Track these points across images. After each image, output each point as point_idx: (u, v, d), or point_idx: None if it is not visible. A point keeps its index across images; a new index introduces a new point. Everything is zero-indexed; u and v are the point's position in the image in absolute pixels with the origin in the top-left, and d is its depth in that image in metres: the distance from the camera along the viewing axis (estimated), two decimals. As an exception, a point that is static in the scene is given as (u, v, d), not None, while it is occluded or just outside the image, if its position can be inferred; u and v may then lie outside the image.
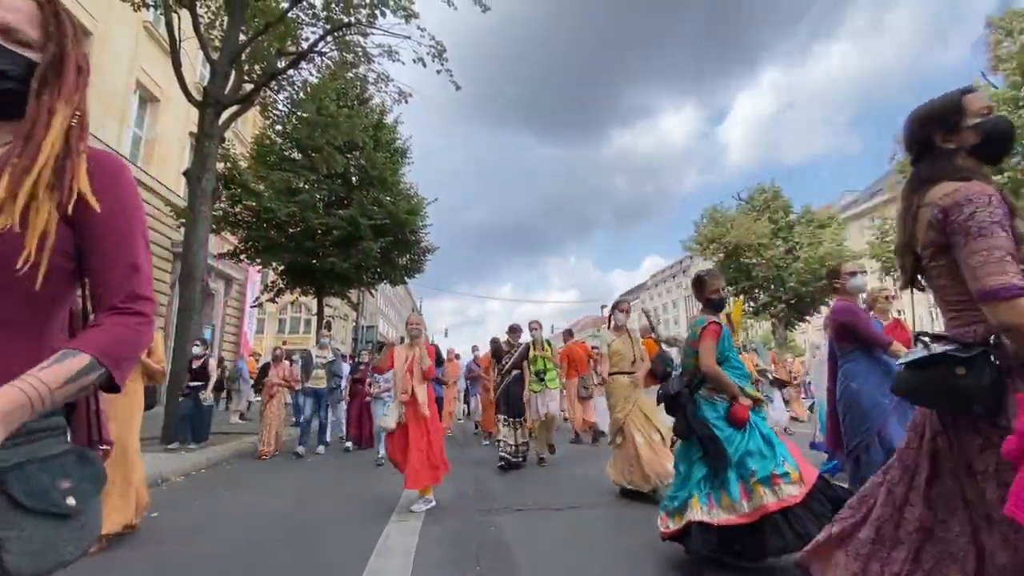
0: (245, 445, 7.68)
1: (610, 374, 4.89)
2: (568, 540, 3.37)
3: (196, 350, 7.69)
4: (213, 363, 7.90)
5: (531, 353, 6.49)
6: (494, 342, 7.53)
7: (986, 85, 14.92)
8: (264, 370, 8.02)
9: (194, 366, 7.65)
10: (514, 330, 6.84)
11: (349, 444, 7.99)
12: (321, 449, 7.73)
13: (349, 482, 5.69)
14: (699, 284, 3.11)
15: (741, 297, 22.98)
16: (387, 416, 4.38)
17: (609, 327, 5.22)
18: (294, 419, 8.88)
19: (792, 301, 23.37)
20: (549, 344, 6.77)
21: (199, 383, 7.47)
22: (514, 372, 6.45)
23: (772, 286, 23.72)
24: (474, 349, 11.00)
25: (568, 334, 9.90)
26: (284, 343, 15.32)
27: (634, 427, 4.46)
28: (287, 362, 8.18)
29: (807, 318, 24.34)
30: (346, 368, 8.57)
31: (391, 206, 13.44)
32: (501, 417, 6.18)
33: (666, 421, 3.75)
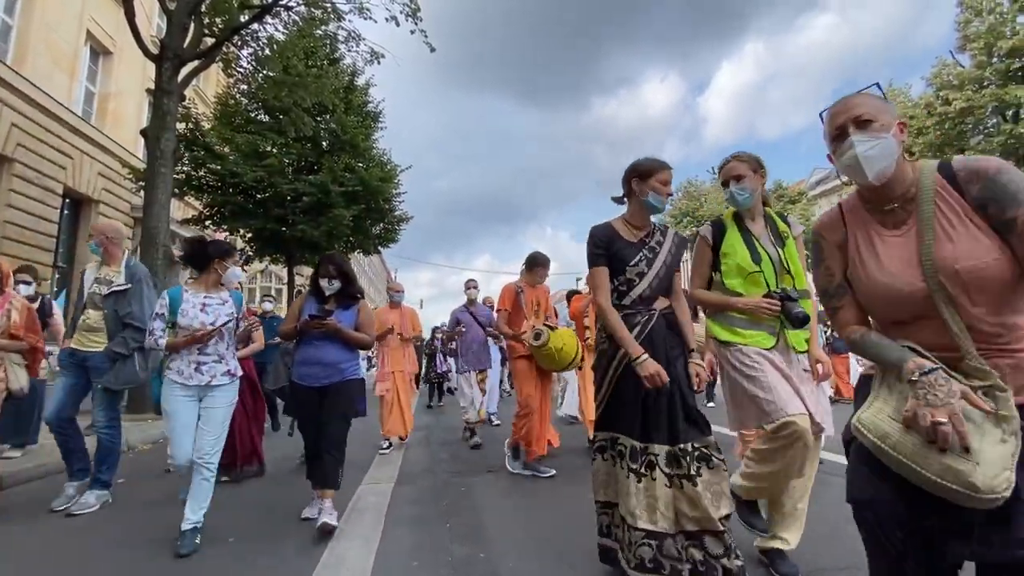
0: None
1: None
2: (536, 501, 3.48)
3: (24, 288, 4.45)
4: (58, 311, 4.85)
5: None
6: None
7: (953, 64, 15.25)
8: None
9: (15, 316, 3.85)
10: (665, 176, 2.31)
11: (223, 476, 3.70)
12: (92, 501, 3.22)
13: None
14: None
15: None
16: None
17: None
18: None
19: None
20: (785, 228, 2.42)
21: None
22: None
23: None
24: (469, 285, 6.24)
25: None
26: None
27: None
28: (21, 289, 4.32)
29: (774, 292, 25.11)
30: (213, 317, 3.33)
31: (363, 172, 13.14)
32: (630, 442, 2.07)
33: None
